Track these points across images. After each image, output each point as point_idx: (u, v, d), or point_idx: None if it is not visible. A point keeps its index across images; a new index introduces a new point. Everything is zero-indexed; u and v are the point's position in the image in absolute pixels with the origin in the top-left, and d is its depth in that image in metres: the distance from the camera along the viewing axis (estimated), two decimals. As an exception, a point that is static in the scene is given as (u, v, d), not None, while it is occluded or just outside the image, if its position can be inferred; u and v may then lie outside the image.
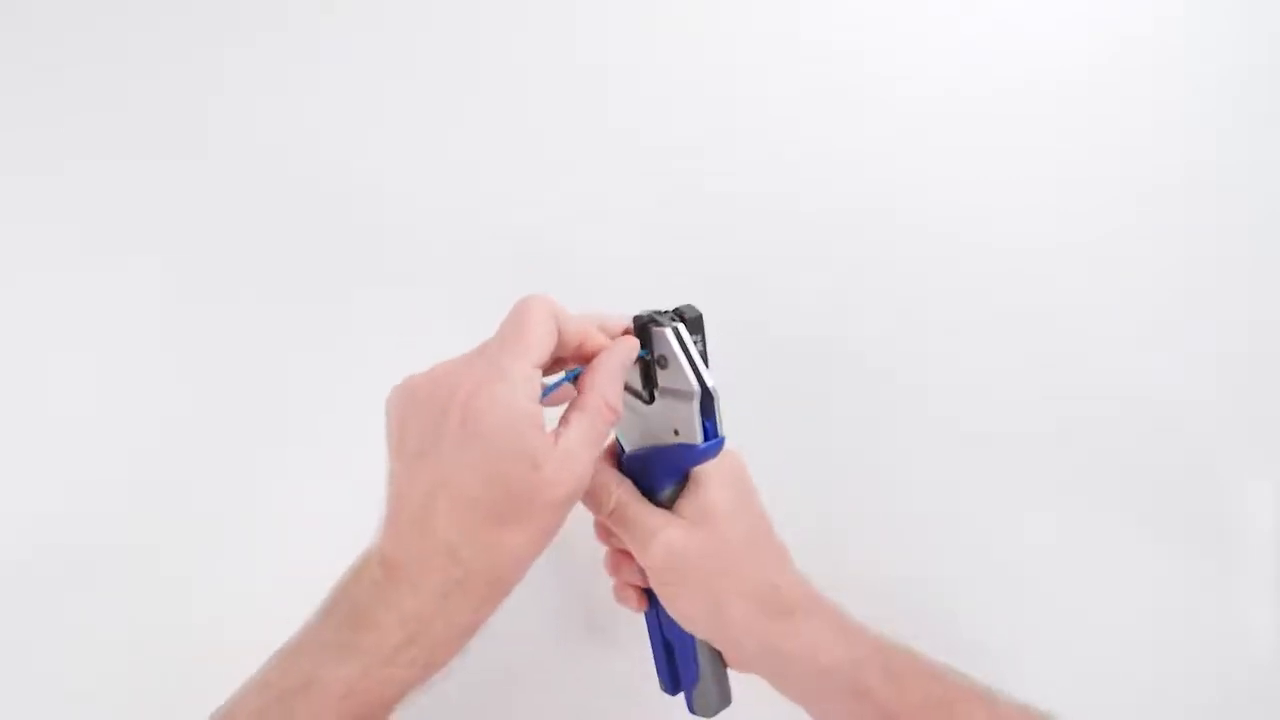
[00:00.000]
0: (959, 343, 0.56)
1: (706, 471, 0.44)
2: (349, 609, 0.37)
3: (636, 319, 0.42)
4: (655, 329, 0.41)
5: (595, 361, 0.40)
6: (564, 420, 0.39)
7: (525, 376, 0.36)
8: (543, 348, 0.37)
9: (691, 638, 0.45)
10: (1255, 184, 0.57)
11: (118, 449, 0.55)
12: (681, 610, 0.43)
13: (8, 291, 0.56)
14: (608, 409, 0.39)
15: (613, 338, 0.41)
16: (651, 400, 0.43)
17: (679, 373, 0.41)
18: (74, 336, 0.56)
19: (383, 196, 0.57)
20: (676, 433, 0.42)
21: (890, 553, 0.53)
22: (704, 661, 0.45)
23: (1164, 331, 0.56)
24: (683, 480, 0.44)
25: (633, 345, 0.41)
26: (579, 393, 0.39)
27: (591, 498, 0.44)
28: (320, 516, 0.49)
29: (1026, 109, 0.57)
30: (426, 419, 0.37)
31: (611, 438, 0.46)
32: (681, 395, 0.41)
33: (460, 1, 0.57)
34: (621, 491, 0.44)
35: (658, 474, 0.44)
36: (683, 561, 0.42)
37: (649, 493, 0.44)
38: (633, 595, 0.47)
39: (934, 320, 0.56)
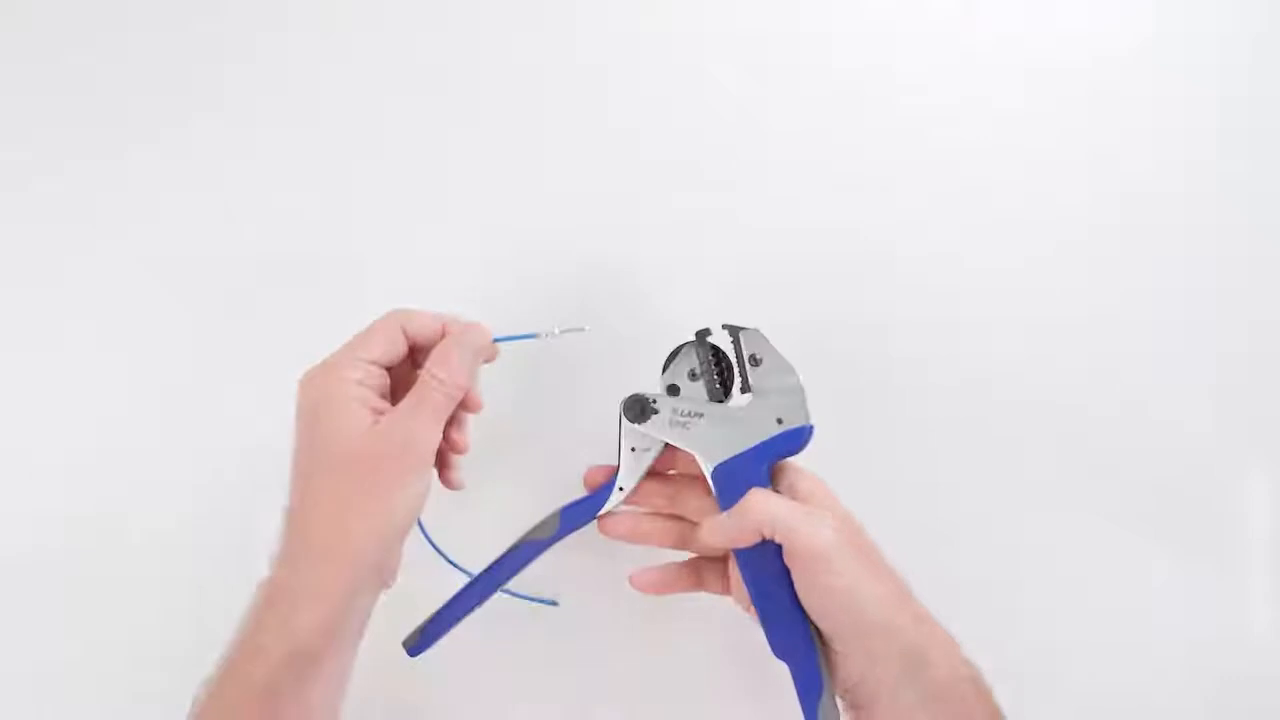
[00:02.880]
0: (959, 343, 0.55)
1: (799, 470, 0.45)
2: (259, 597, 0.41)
3: (702, 331, 0.46)
4: (747, 329, 0.45)
5: (438, 344, 0.44)
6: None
7: (348, 362, 0.41)
8: (371, 347, 0.42)
9: (815, 650, 0.43)
10: (1255, 185, 0.57)
11: (126, 449, 0.55)
12: (832, 598, 0.41)
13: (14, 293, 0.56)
14: (436, 381, 0.42)
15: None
16: (726, 397, 0.47)
17: (777, 362, 0.45)
18: (75, 341, 0.56)
19: (386, 201, 0.57)
20: (780, 421, 0.45)
21: (888, 553, 0.53)
22: (825, 671, 0.43)
23: (1164, 331, 0.56)
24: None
25: (473, 333, 0.44)
26: (420, 370, 0.43)
27: (748, 524, 0.42)
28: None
29: (1028, 112, 0.57)
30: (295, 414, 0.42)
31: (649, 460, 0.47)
32: (785, 383, 0.45)
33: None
34: (769, 500, 0.43)
35: (756, 471, 0.45)
36: (838, 550, 0.41)
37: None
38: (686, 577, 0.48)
39: (934, 320, 0.56)
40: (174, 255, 0.56)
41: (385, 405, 0.42)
